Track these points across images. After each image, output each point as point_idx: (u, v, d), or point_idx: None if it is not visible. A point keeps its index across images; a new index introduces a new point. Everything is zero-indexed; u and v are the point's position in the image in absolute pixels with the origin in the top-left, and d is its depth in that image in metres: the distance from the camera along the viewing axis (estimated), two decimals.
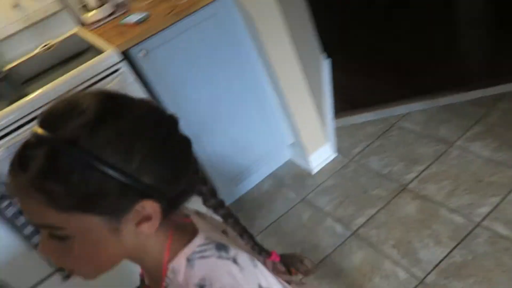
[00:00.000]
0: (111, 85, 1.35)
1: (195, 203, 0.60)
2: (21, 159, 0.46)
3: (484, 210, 1.51)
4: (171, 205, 0.52)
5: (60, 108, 0.47)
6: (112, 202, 0.47)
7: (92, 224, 0.47)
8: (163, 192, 0.50)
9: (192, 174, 0.55)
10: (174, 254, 0.54)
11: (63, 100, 0.48)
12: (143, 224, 0.50)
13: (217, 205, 0.61)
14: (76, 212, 0.46)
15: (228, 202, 0.80)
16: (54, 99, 0.50)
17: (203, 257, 0.53)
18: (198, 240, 0.55)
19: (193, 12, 1.45)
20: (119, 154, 0.45)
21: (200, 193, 0.59)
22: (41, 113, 0.48)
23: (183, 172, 0.52)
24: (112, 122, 0.46)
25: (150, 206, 0.49)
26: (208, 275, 0.51)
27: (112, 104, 0.48)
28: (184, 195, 0.54)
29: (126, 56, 1.39)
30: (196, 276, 0.51)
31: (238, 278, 0.52)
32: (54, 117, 0.47)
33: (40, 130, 0.45)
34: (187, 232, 0.57)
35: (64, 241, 0.48)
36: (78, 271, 0.53)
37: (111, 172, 0.45)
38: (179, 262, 0.53)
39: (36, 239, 1.29)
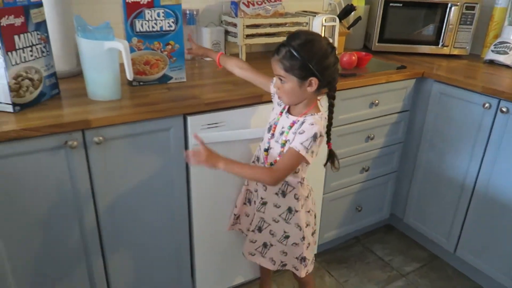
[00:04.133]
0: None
1: None
2: (277, 48, 1.22)
3: None
4: (323, 85, 1.24)
5: (294, 34, 1.23)
6: (301, 73, 1.20)
7: (293, 80, 1.22)
8: (322, 77, 1.21)
9: (334, 79, 1.27)
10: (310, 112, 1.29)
11: (298, 31, 1.25)
12: (309, 87, 1.23)
13: (330, 97, 1.32)
14: (289, 73, 1.21)
15: None
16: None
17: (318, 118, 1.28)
18: (319, 114, 1.30)
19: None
20: (308, 56, 1.18)
21: (329, 89, 1.31)
22: (290, 34, 1.24)
23: (331, 74, 1.24)
24: (309, 44, 1.19)
25: (315, 80, 1.21)
26: (314, 122, 1.25)
27: (312, 37, 1.21)
28: (327, 85, 1.26)
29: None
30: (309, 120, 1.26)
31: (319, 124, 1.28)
32: (292, 36, 1.22)
33: (285, 40, 1.23)
34: (317, 109, 1.32)
35: (282, 82, 1.24)
36: (281, 97, 1.30)
37: (304, 61, 1.18)
38: (310, 116, 1.28)
39: None
